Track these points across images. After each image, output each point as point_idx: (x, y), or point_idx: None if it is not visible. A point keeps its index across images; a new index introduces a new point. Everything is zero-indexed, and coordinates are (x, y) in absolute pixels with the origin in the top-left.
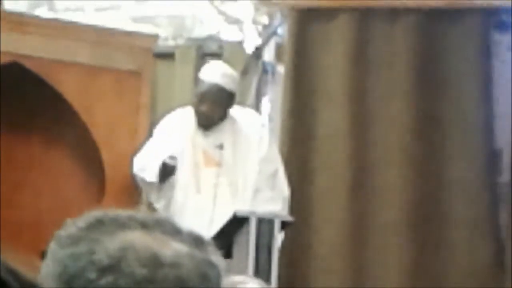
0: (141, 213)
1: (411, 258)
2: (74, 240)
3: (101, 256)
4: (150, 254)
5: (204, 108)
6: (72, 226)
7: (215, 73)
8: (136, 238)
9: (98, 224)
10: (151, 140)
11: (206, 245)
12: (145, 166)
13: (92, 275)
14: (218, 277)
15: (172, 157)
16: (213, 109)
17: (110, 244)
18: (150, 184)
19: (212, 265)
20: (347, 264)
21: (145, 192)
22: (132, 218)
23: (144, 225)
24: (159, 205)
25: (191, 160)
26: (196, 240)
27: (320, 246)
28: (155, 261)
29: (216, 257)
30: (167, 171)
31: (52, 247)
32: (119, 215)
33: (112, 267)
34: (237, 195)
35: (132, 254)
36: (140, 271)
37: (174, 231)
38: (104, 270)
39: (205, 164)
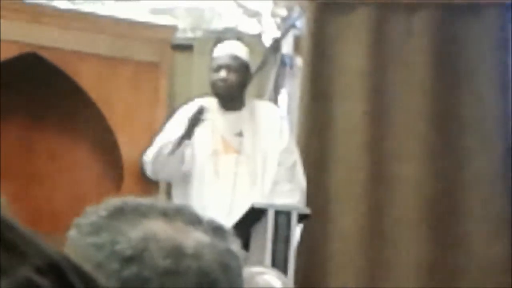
0: (161, 201)
1: (427, 251)
2: (96, 229)
3: (124, 247)
4: (173, 245)
5: (222, 74)
6: (93, 214)
7: (227, 46)
8: (158, 228)
9: (119, 213)
10: (164, 132)
11: (227, 234)
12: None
13: (115, 265)
14: (239, 267)
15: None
16: (230, 75)
17: (133, 234)
18: (163, 157)
19: (233, 255)
20: (364, 256)
21: (158, 172)
22: (152, 206)
23: (165, 214)
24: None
25: (210, 147)
26: (217, 229)
27: (337, 238)
28: (177, 252)
29: (236, 246)
30: (197, 117)
31: (73, 235)
32: (139, 203)
33: (135, 258)
34: (255, 184)
35: (155, 245)
36: (163, 262)
37: (195, 220)
38: (127, 261)
39: (224, 151)
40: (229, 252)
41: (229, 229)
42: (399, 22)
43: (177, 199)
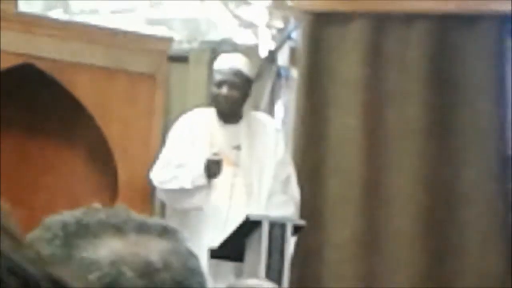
0: (101, 211)
1: (422, 264)
2: (57, 260)
3: (99, 275)
4: (142, 262)
5: (223, 91)
6: (43, 242)
7: (232, 59)
8: (119, 248)
9: (73, 238)
10: (169, 146)
11: (176, 233)
12: (178, 175)
13: None
14: (200, 266)
15: (216, 154)
16: (232, 93)
17: (100, 260)
18: (183, 192)
19: (193, 255)
20: (358, 269)
21: (173, 201)
22: (100, 222)
23: (116, 228)
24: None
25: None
26: (166, 230)
27: (332, 250)
28: (149, 269)
29: (187, 244)
30: (214, 168)
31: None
32: (85, 221)
33: (114, 284)
34: (252, 197)
35: (126, 266)
36: (140, 283)
37: (144, 226)
38: None
39: None
40: (190, 253)
41: (173, 226)
42: (395, 34)
43: (175, 211)
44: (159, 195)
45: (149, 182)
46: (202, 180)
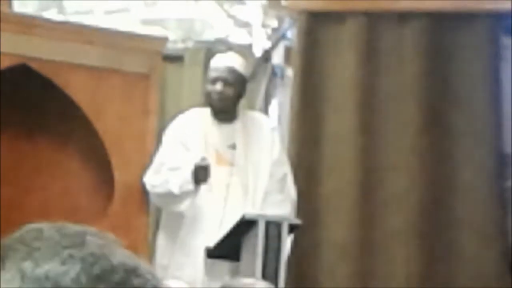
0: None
1: (418, 262)
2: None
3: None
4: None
5: (217, 88)
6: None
7: (226, 57)
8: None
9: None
10: (163, 150)
11: None
12: (168, 179)
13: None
14: None
15: (203, 159)
16: (226, 90)
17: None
18: (171, 196)
19: None
20: (354, 267)
21: (164, 204)
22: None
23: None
24: (182, 209)
25: None
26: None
27: (328, 249)
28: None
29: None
30: (201, 174)
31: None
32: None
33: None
34: (247, 196)
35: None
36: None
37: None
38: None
39: (217, 163)
40: None
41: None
42: (390, 32)
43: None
44: (152, 198)
45: (143, 186)
46: (189, 186)
